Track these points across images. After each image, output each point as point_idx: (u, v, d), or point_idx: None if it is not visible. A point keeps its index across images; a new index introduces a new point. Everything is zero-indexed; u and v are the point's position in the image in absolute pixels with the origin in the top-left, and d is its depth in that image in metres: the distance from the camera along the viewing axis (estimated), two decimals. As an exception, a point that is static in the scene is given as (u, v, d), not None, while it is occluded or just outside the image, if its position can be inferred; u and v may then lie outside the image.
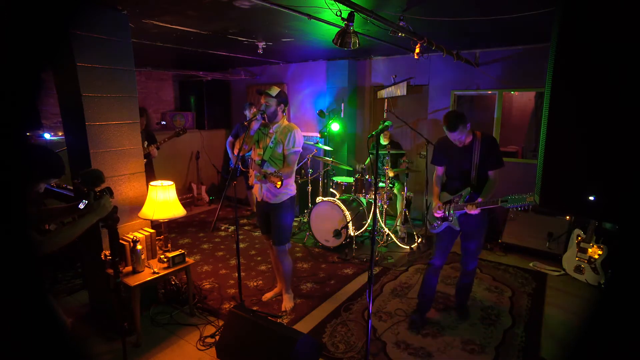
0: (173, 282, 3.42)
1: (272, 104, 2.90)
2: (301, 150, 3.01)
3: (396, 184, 5.01)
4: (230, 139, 5.32)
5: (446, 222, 2.85)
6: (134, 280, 2.76)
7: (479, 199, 2.66)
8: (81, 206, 1.92)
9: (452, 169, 2.91)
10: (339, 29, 2.76)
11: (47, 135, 4.99)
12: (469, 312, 3.21)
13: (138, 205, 3.06)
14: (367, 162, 5.05)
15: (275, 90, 2.92)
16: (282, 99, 2.95)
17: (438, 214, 2.86)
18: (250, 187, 5.49)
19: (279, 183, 2.57)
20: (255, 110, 2.96)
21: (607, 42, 0.91)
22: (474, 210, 2.63)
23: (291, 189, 3.07)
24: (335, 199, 4.53)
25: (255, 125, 2.95)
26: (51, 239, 1.74)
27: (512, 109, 6.71)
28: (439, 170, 3.00)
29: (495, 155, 2.74)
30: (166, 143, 4.74)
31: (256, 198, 3.18)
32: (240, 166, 2.97)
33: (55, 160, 1.83)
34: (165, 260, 2.99)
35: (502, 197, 2.56)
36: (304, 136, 4.27)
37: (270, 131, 2.96)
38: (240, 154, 2.97)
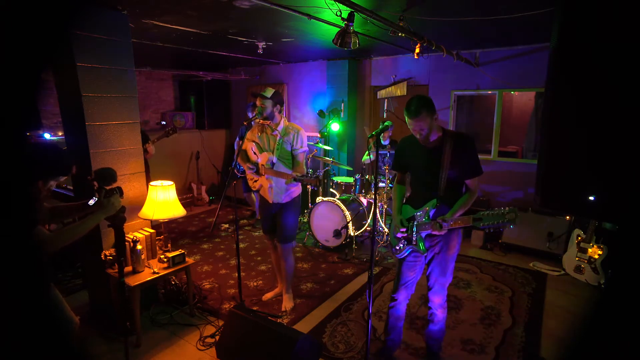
0: (173, 282, 3.42)
1: (268, 105, 2.93)
2: (307, 149, 3.11)
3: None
4: (237, 139, 5.37)
5: (410, 245, 2.28)
6: (134, 280, 2.75)
7: (446, 216, 2.13)
8: (91, 202, 1.97)
9: (417, 176, 2.36)
10: (339, 29, 2.76)
11: (47, 135, 4.99)
12: None
13: (138, 205, 3.06)
14: (364, 158, 5.02)
15: (269, 92, 2.95)
16: (278, 99, 2.98)
17: (400, 234, 2.31)
18: (249, 190, 5.49)
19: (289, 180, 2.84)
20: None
21: (607, 41, 0.91)
22: (438, 231, 2.14)
23: (298, 186, 3.13)
24: (335, 199, 4.53)
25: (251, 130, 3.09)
26: (60, 236, 1.76)
27: (512, 109, 6.72)
28: (399, 177, 2.52)
29: (473, 160, 2.18)
30: (165, 143, 4.74)
31: (261, 198, 3.20)
32: (237, 168, 3.03)
33: (64, 158, 1.89)
34: (165, 260, 2.99)
35: (475, 213, 2.09)
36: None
37: (274, 133, 2.98)
38: (238, 159, 3.09)
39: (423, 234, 2.25)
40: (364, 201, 4.71)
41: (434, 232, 2.17)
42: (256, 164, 3.04)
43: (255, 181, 3.09)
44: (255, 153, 3.07)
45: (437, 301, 2.41)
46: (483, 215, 2.03)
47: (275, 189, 3.02)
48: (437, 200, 2.20)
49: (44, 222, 1.96)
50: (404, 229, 2.29)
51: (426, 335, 2.59)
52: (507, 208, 1.99)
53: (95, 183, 1.95)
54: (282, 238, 3.12)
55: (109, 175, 1.98)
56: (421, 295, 3.30)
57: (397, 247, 2.34)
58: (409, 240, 2.29)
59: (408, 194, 2.47)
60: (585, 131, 0.99)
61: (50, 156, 1.83)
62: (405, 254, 2.34)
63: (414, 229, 2.25)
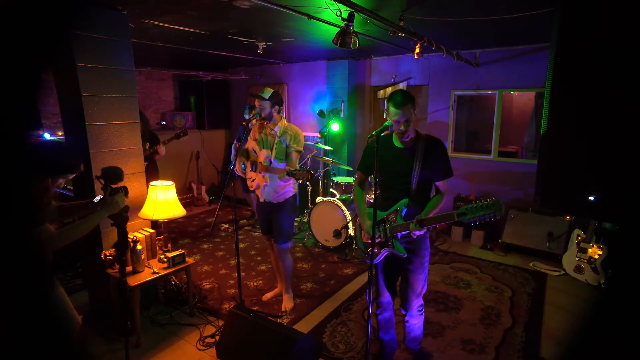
0: (173, 282, 3.42)
1: (267, 106, 2.93)
2: (303, 151, 3.10)
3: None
4: (235, 142, 5.36)
5: (386, 248, 2.25)
6: (134, 280, 2.75)
7: (421, 215, 2.11)
8: (96, 200, 1.99)
9: (387, 177, 2.31)
10: (339, 29, 2.76)
11: (47, 135, 4.99)
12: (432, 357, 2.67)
13: (138, 205, 3.06)
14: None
15: (268, 92, 2.95)
16: (276, 100, 2.97)
17: (377, 239, 2.22)
18: (248, 190, 5.50)
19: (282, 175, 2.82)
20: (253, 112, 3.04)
21: (606, 41, 0.91)
22: (418, 231, 2.11)
23: (292, 187, 3.11)
24: (335, 199, 4.53)
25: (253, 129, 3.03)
26: (63, 234, 1.76)
27: (512, 109, 6.71)
28: (361, 179, 2.47)
29: (444, 162, 2.22)
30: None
31: (257, 199, 3.19)
32: (236, 170, 3.01)
33: (71, 156, 1.91)
34: (165, 260, 2.99)
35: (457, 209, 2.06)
36: (304, 136, 4.33)
37: (272, 132, 2.98)
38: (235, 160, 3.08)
39: (399, 235, 2.22)
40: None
41: (414, 233, 2.13)
42: (254, 163, 3.04)
43: (253, 180, 3.09)
44: (255, 151, 3.07)
45: (413, 310, 2.39)
46: (467, 210, 1.98)
47: (268, 187, 3.03)
48: (409, 200, 2.19)
49: (52, 221, 1.96)
50: (377, 235, 2.24)
51: (406, 340, 2.56)
52: (490, 200, 1.94)
53: (102, 181, 1.96)
54: (277, 238, 3.13)
55: (115, 174, 1.99)
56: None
57: (370, 253, 2.24)
58: (383, 244, 2.26)
59: (375, 196, 2.43)
60: (585, 131, 0.99)
61: (58, 154, 1.85)
62: (381, 258, 2.31)
63: (388, 231, 2.23)
